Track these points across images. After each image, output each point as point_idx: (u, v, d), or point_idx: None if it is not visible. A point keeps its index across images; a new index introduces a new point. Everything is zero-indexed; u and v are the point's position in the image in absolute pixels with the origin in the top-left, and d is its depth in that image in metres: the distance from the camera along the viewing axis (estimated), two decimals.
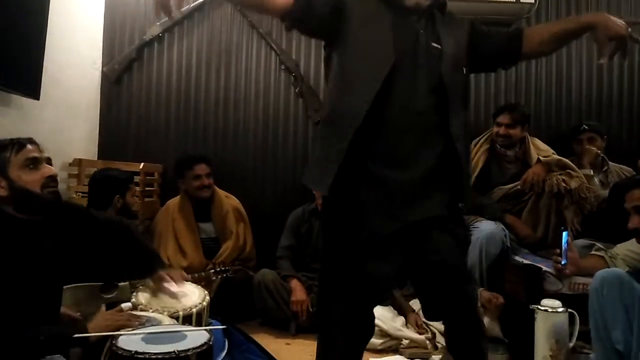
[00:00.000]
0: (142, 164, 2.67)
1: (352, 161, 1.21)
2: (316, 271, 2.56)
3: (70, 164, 2.58)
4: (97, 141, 2.93)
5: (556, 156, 2.41)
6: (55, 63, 2.43)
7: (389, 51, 1.21)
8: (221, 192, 2.64)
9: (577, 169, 2.35)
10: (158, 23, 2.92)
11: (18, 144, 1.38)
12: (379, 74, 1.20)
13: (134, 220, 2.37)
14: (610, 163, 2.60)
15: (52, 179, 1.39)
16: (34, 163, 1.37)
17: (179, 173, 2.59)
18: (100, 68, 2.94)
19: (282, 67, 3.00)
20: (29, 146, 1.39)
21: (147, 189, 2.73)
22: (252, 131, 2.99)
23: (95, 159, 2.85)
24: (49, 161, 1.43)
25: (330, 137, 1.26)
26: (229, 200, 2.63)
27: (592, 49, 2.94)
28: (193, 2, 2.94)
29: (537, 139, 2.59)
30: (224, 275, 2.36)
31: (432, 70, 1.24)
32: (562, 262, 1.90)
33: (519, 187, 2.40)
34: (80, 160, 2.60)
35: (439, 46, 1.26)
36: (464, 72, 1.35)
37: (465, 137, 1.36)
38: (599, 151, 2.55)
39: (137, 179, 2.64)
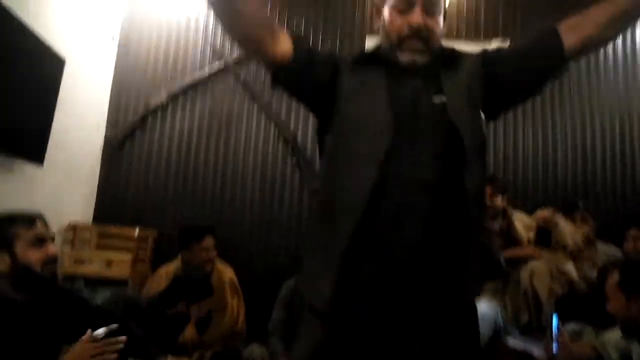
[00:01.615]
0: (138, 229, 2.68)
1: (352, 265, 0.99)
2: None
3: (65, 229, 2.58)
4: (94, 205, 2.94)
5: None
6: (62, 127, 2.49)
7: (385, 125, 1.02)
8: (219, 264, 2.62)
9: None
10: (164, 91, 3.04)
11: (29, 220, 1.40)
12: (376, 155, 1.00)
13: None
14: (598, 243, 2.67)
15: (54, 259, 1.40)
16: (41, 241, 1.38)
17: (184, 243, 2.48)
18: (104, 133, 3.01)
19: (280, 137, 3.11)
20: (39, 223, 1.41)
21: (139, 255, 2.72)
22: (248, 199, 3.04)
23: (90, 223, 2.85)
24: (52, 239, 1.45)
25: (324, 237, 1.05)
26: (225, 272, 2.62)
27: (576, 123, 3.11)
28: (199, 71, 3.08)
29: (518, 212, 2.67)
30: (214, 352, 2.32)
31: (438, 130, 1.03)
32: (553, 348, 1.91)
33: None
34: (75, 225, 2.60)
35: (443, 99, 1.05)
36: (481, 116, 1.10)
37: (481, 199, 1.11)
38: (590, 234, 2.59)
39: (130, 244, 2.64)
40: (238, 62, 3.11)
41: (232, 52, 3.14)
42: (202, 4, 3.15)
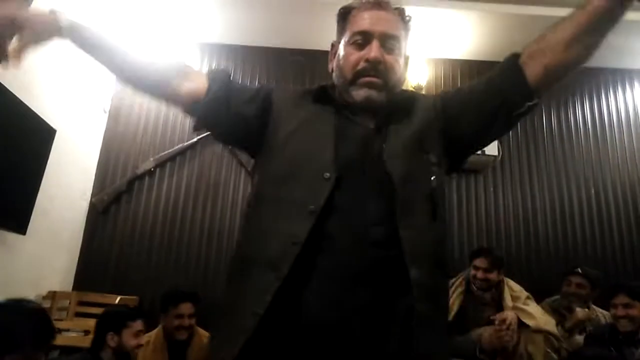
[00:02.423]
0: (119, 297, 2.62)
1: (267, 333, 0.81)
2: None
3: (44, 297, 2.51)
4: (75, 272, 2.89)
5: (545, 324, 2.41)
6: (47, 196, 2.50)
7: (327, 168, 0.89)
8: (202, 332, 2.55)
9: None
10: (152, 158, 3.10)
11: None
12: (312, 205, 0.85)
13: None
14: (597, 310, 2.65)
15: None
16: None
17: (163, 307, 2.47)
18: (89, 199, 3.02)
19: None
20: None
21: None
22: None
23: (70, 290, 2.79)
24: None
25: (237, 296, 0.88)
26: (207, 341, 2.53)
27: (554, 192, 3.21)
28: (187, 140, 3.17)
29: (510, 280, 2.69)
30: None
31: (380, 175, 0.91)
32: None
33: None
34: (54, 293, 2.54)
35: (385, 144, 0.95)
36: (430, 163, 0.96)
37: (429, 259, 0.90)
38: (585, 319, 2.50)
39: None
40: None
41: None
42: None
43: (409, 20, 1.07)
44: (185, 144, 3.17)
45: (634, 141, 3.37)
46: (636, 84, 3.53)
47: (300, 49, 3.31)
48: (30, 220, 2.33)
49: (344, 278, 0.84)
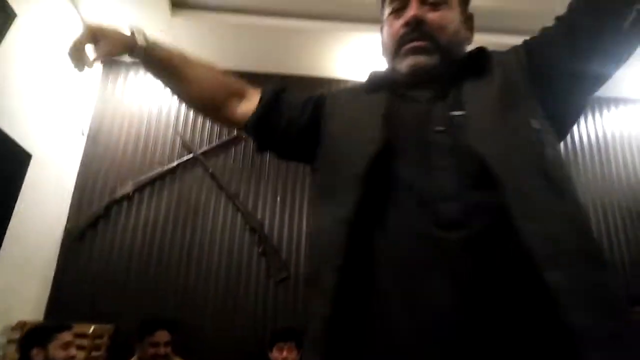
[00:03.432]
0: (93, 327, 2.54)
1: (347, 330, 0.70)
2: None
3: (13, 328, 2.41)
4: (47, 300, 2.79)
5: None
6: (21, 220, 2.43)
7: (374, 135, 0.78)
8: (177, 358, 2.49)
9: None
10: (130, 182, 3.05)
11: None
12: (356, 176, 0.75)
13: None
14: None
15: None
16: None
17: (139, 335, 2.43)
18: (65, 224, 2.94)
19: (247, 226, 3.12)
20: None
21: (93, 354, 2.55)
22: (212, 290, 2.96)
23: (41, 319, 2.68)
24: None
25: (311, 297, 0.79)
26: None
27: None
28: (167, 164, 3.14)
29: None
30: None
31: (459, 157, 0.73)
32: None
33: None
34: (24, 322, 2.44)
35: (462, 112, 0.77)
36: (531, 126, 0.75)
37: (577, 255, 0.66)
38: None
39: (84, 342, 2.49)
40: (206, 154, 3.20)
41: (202, 144, 3.24)
42: (174, 97, 3.30)
43: None
44: (165, 167, 3.13)
45: (599, 167, 3.49)
46: (605, 111, 3.68)
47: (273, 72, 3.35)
48: (2, 247, 2.25)
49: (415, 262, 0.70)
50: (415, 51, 0.85)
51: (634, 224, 3.35)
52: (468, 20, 0.93)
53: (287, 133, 0.96)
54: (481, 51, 0.88)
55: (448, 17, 0.87)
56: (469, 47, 0.92)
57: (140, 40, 0.94)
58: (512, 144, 0.73)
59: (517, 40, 0.90)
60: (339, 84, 3.35)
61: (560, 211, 0.69)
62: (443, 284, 0.66)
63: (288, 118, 0.95)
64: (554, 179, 0.71)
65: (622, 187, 3.44)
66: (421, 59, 0.84)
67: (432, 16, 0.85)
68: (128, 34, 0.94)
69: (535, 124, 0.75)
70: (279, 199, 3.20)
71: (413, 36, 0.85)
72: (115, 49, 0.92)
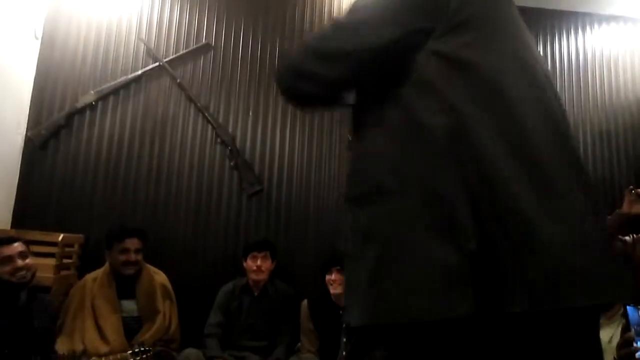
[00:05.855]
0: (62, 235, 2.52)
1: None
2: (244, 349, 2.48)
3: None
4: (12, 209, 2.74)
5: None
6: None
7: None
8: (150, 268, 2.52)
9: None
10: (92, 91, 2.90)
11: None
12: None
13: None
14: None
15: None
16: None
17: (108, 244, 2.44)
18: (25, 132, 2.82)
19: (218, 140, 3.05)
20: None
21: (64, 261, 2.56)
22: (183, 203, 2.95)
23: (9, 228, 2.65)
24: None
25: (417, 218, 0.71)
26: (157, 276, 2.52)
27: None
28: (131, 73, 2.97)
29: None
30: (144, 356, 2.21)
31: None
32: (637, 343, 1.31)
33: None
34: None
35: None
36: None
37: None
38: None
39: (54, 249, 2.49)
40: (173, 62, 3.03)
41: (168, 51, 3.05)
42: (136, 1, 3.05)
43: None
44: (130, 76, 2.97)
45: (583, 86, 3.47)
46: (588, 28, 3.58)
47: None
48: None
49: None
50: None
51: (603, 143, 3.41)
52: None
53: None
54: None
55: None
56: None
57: None
58: None
59: None
60: None
61: None
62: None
63: None
64: None
65: (596, 107, 3.45)
66: None
67: None
68: None
69: None
70: (251, 112, 3.11)
71: None
72: None
